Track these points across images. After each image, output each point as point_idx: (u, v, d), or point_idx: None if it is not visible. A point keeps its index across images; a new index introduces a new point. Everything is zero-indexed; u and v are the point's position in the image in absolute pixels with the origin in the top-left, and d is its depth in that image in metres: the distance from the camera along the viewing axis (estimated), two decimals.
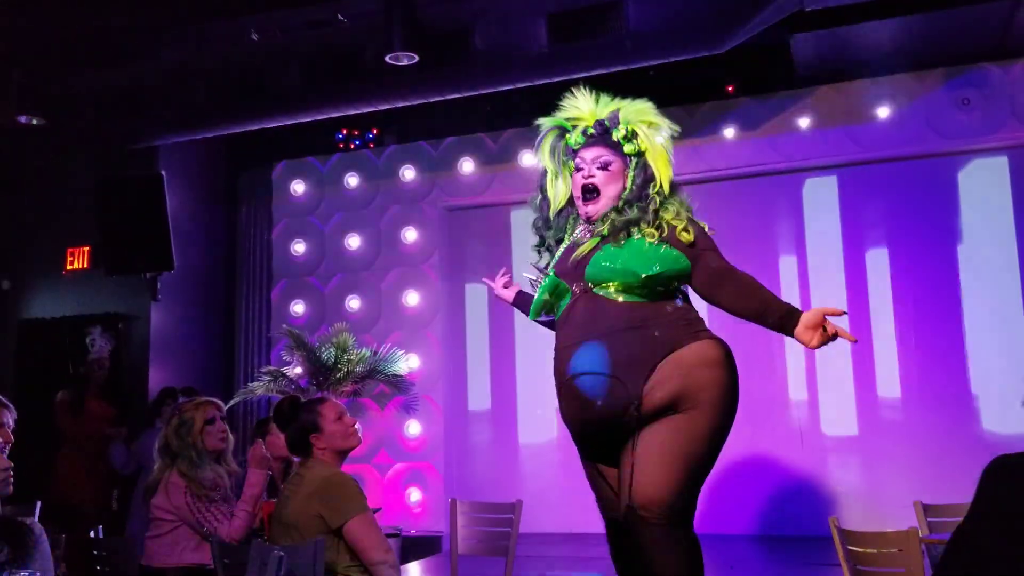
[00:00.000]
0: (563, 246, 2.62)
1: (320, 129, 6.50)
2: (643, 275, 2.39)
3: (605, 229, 2.50)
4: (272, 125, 5.96)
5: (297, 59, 5.44)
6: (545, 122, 2.66)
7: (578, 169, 2.56)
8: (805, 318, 2.34)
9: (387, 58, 4.90)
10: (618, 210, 2.51)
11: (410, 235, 6.61)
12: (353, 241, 6.74)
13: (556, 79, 4.92)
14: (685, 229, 2.45)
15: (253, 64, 5.48)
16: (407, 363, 6.20)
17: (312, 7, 5.07)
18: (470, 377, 6.66)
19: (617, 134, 2.55)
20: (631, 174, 2.53)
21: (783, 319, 2.35)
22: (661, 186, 2.51)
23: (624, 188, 2.53)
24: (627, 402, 2.34)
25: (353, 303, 6.66)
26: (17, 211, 6.69)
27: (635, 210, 2.48)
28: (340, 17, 4.96)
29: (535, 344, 6.30)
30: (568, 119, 2.63)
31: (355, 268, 6.75)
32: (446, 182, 6.63)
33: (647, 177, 2.52)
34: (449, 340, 6.60)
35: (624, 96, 2.61)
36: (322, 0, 5.06)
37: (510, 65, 5.12)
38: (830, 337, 2.33)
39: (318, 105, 5.68)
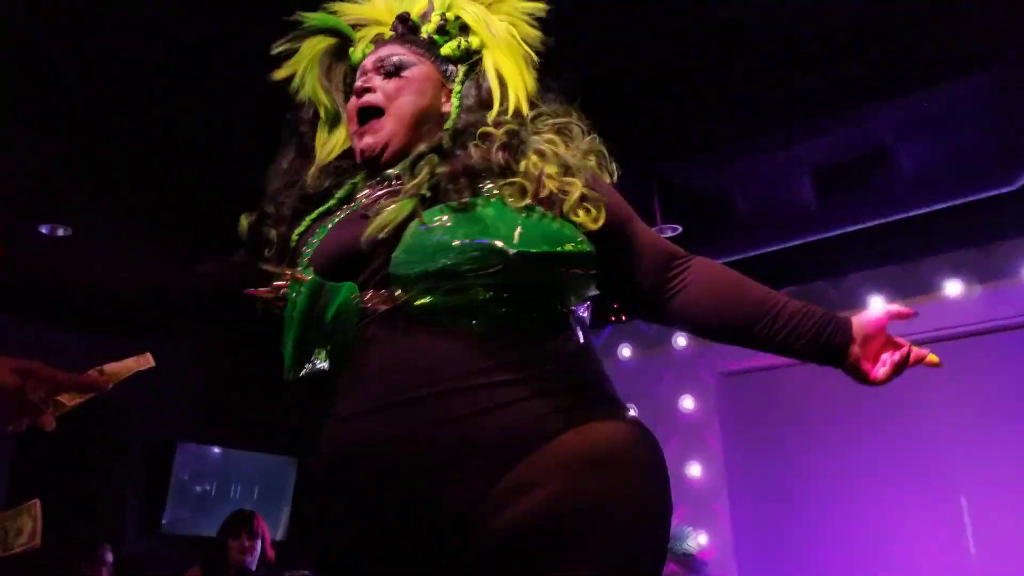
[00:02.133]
0: (322, 226, 1.44)
1: (592, 303, 6.60)
2: (511, 251, 1.24)
3: (423, 185, 1.35)
4: None
5: None
6: (311, 19, 1.59)
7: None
8: (861, 326, 1.48)
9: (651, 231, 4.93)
10: (436, 151, 1.40)
11: (687, 403, 6.45)
12: (631, 412, 6.66)
13: (827, 234, 4.74)
14: (581, 194, 1.36)
15: None
16: (697, 541, 5.92)
17: None
18: (765, 555, 6.22)
19: (428, 28, 1.54)
20: (456, 88, 1.50)
21: (821, 336, 1.48)
22: (518, 108, 1.46)
23: (438, 112, 1.49)
24: (451, 518, 1.20)
25: None
26: None
27: (471, 151, 1.38)
28: None
29: (836, 513, 5.82)
30: (356, 22, 1.62)
31: None
32: (720, 346, 6.41)
33: (482, 94, 1.49)
34: (740, 514, 6.24)
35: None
36: None
37: (777, 225, 4.99)
38: (903, 363, 1.50)
39: None
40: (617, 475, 1.25)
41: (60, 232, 5.14)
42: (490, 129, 1.40)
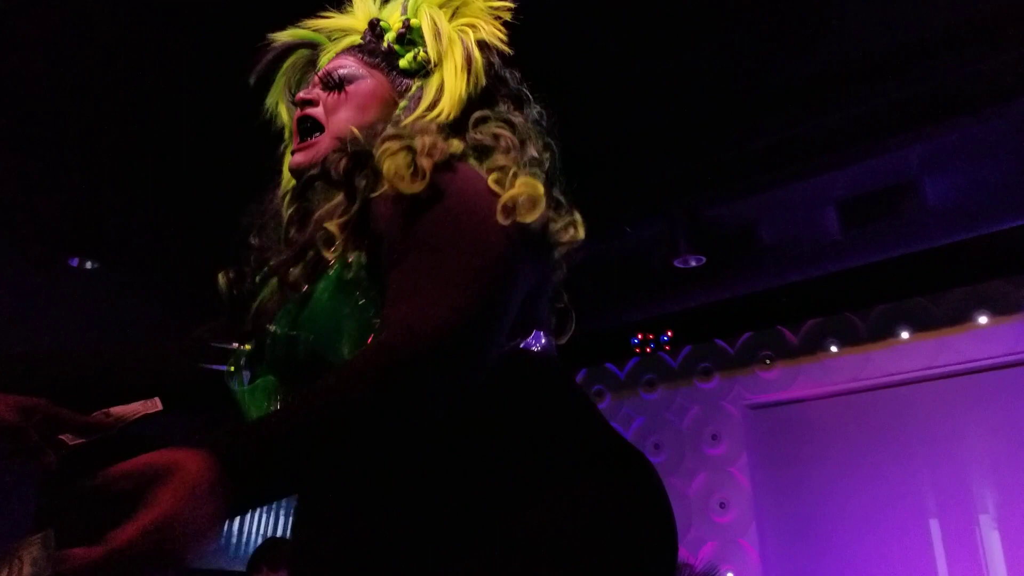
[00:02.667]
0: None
1: (616, 336, 6.60)
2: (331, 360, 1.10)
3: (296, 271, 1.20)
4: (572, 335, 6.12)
5: (585, 269, 5.63)
6: (280, 37, 1.45)
7: None
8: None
9: (675, 262, 4.94)
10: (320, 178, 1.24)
11: (713, 437, 6.40)
12: (656, 445, 6.63)
13: (852, 265, 4.73)
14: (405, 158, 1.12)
15: None
16: None
17: (598, 223, 5.27)
18: None
19: (390, 36, 1.35)
20: (401, 104, 1.30)
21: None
22: (440, 113, 1.25)
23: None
24: None
25: None
26: None
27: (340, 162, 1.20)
28: (627, 229, 5.11)
29: (866, 549, 5.74)
30: (333, 33, 1.44)
31: (660, 474, 6.58)
32: (746, 378, 6.42)
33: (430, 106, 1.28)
34: (768, 550, 6.17)
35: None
36: (608, 215, 5.26)
37: (801, 257, 4.98)
38: None
39: (613, 313, 5.79)
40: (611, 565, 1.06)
41: (89, 265, 5.19)
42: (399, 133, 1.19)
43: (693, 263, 4.93)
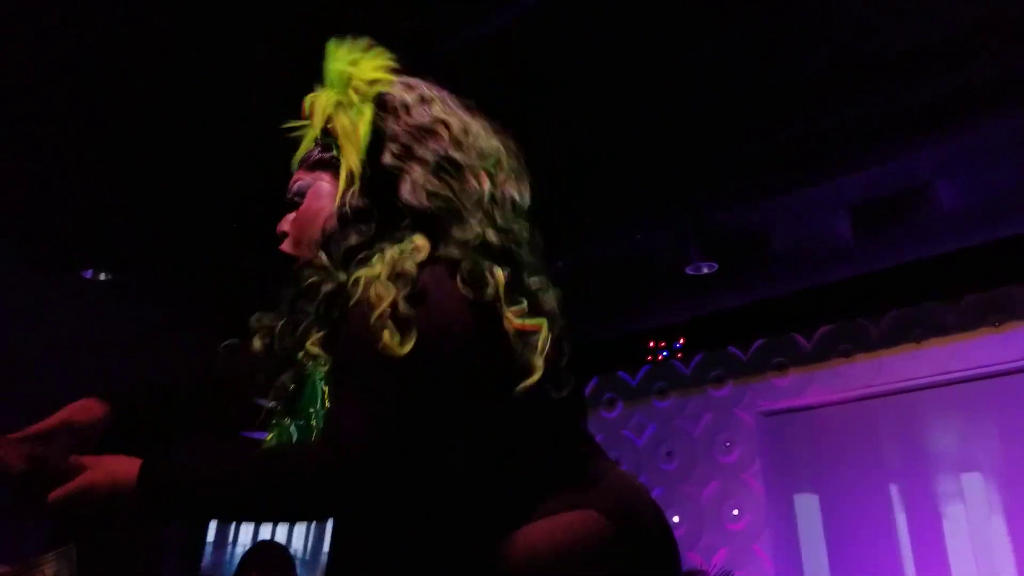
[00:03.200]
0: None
1: (628, 343, 6.59)
2: None
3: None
4: (583, 343, 6.12)
5: (596, 276, 5.62)
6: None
7: None
8: None
9: (687, 269, 4.93)
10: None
11: (727, 444, 6.38)
12: (668, 453, 6.60)
13: (865, 271, 4.71)
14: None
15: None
16: None
17: (609, 229, 5.26)
18: None
19: (315, 129, 1.42)
20: (340, 189, 1.36)
21: None
22: (345, 210, 1.32)
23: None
24: None
25: (674, 518, 6.43)
26: None
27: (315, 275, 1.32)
28: (636, 236, 5.10)
29: (879, 555, 5.71)
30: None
31: (673, 482, 6.57)
32: (759, 385, 6.39)
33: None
34: (782, 556, 6.13)
35: None
36: (618, 221, 5.25)
37: (814, 262, 4.96)
38: None
39: (624, 321, 5.78)
40: None
41: (102, 277, 5.21)
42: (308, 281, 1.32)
43: (705, 270, 4.92)
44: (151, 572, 5.75)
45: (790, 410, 6.37)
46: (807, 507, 6.16)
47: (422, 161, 1.30)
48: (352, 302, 1.21)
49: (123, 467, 1.18)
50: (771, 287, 5.26)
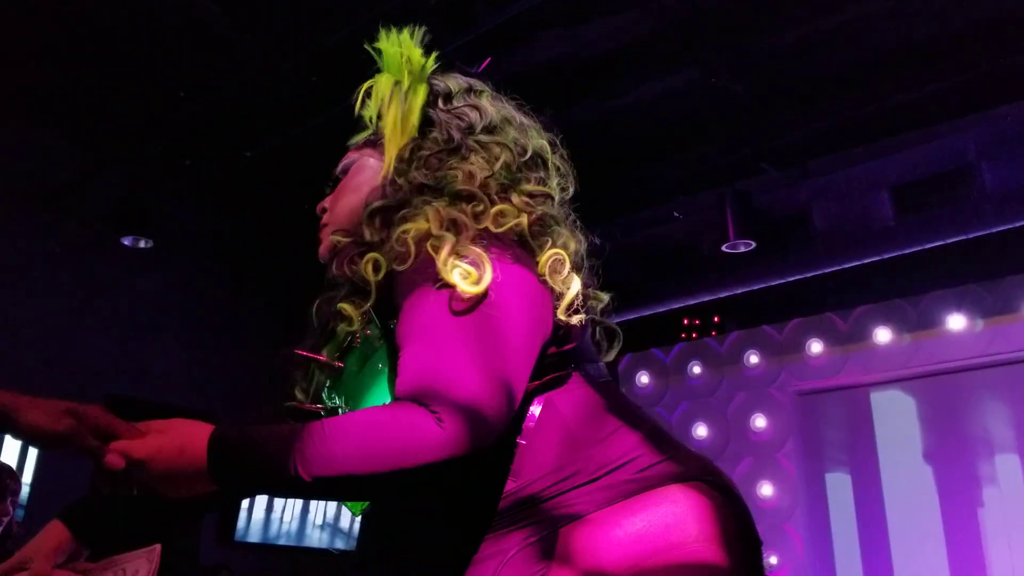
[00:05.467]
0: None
1: (662, 320, 6.57)
2: None
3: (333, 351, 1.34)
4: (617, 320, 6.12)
5: (636, 255, 5.61)
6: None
7: None
8: None
9: (724, 247, 4.91)
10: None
11: (759, 422, 6.36)
12: (701, 431, 6.60)
13: (906, 251, 4.66)
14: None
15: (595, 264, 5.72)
16: (768, 562, 5.82)
17: (648, 209, 5.24)
18: None
19: (369, 111, 1.42)
20: (386, 164, 1.36)
21: None
22: (392, 182, 1.31)
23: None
24: None
25: None
26: None
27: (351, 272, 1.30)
28: (675, 214, 5.08)
29: (912, 537, 5.69)
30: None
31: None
32: (794, 365, 6.36)
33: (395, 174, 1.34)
34: (812, 536, 6.13)
35: None
36: (658, 200, 5.23)
37: (854, 242, 4.91)
38: None
39: (660, 298, 5.77)
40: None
41: (142, 244, 5.28)
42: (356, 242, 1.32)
43: (742, 248, 4.89)
44: (193, 539, 5.87)
45: (825, 390, 6.34)
46: (839, 487, 6.14)
47: (468, 147, 1.33)
48: (409, 260, 1.19)
49: (194, 430, 1.09)
50: (809, 266, 5.21)
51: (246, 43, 3.75)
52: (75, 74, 3.98)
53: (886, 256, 4.91)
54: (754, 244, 4.85)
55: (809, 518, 6.16)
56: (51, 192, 5.10)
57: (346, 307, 1.27)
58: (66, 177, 4.94)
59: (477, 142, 1.32)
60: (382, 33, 1.39)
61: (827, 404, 6.37)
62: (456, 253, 1.15)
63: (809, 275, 5.30)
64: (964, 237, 4.61)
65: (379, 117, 1.40)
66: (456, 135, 1.33)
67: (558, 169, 1.39)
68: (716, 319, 6.98)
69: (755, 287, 5.49)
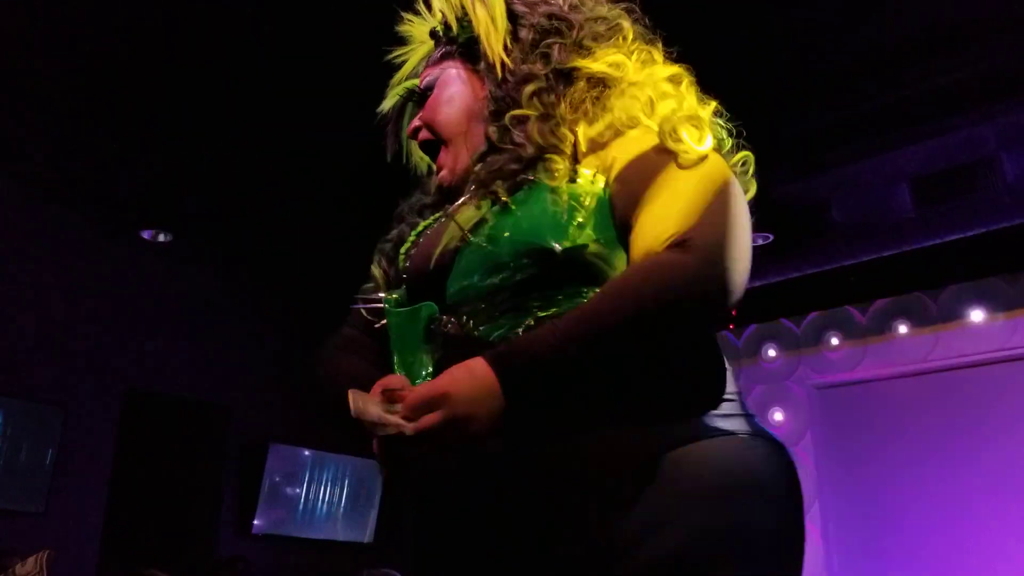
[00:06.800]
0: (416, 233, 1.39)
1: None
2: (556, 246, 1.14)
3: (474, 201, 1.27)
4: None
5: None
6: (387, 105, 1.53)
7: None
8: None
9: None
10: (484, 156, 1.31)
11: (777, 416, 6.34)
12: (752, 420, 6.57)
13: (926, 243, 4.63)
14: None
15: None
16: None
17: None
18: (858, 573, 6.07)
19: (455, 26, 1.41)
20: (493, 76, 1.35)
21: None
22: (555, 69, 1.30)
23: (480, 104, 1.36)
24: (576, 565, 1.11)
25: None
26: None
27: (513, 139, 1.27)
28: None
29: (931, 531, 5.66)
30: (416, 67, 1.51)
31: None
32: (812, 358, 6.34)
33: (495, 64, 1.34)
34: (830, 530, 6.11)
35: None
36: None
37: (873, 234, 4.88)
38: None
39: None
40: (748, 507, 1.11)
41: (161, 238, 5.31)
42: (520, 112, 1.29)
43: (760, 240, 4.86)
44: (211, 530, 5.89)
45: (843, 384, 6.31)
46: (857, 482, 6.12)
47: (558, 44, 1.33)
48: (616, 113, 1.24)
49: (472, 363, 1.08)
50: (827, 259, 5.19)
51: (268, 34, 3.75)
52: (99, 66, 4.00)
53: (905, 249, 4.88)
54: (772, 237, 4.82)
55: (827, 513, 6.13)
56: (72, 183, 5.13)
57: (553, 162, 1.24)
58: (88, 169, 4.97)
59: (565, 23, 1.34)
60: None
61: (846, 398, 6.34)
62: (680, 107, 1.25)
63: (827, 268, 5.28)
64: (984, 229, 4.58)
65: (447, 28, 1.42)
66: (544, 22, 1.35)
67: (643, 37, 1.40)
68: (733, 312, 6.93)
69: (773, 280, 5.47)
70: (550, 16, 1.35)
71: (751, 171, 1.33)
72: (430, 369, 1.22)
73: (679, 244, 1.09)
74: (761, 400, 6.43)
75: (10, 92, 4.23)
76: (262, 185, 5.03)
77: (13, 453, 4.98)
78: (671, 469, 1.10)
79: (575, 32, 1.34)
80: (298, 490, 6.37)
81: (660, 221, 1.13)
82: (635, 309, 1.07)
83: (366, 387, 1.14)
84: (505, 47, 1.34)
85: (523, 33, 1.35)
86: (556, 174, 1.20)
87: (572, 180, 1.20)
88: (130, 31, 3.74)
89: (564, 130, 1.26)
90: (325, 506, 6.50)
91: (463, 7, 1.39)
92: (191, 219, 5.27)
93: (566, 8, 1.37)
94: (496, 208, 1.21)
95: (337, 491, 6.55)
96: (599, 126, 1.25)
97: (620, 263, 1.17)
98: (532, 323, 1.14)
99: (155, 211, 5.14)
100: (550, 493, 1.12)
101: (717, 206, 1.14)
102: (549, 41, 1.33)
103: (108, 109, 4.34)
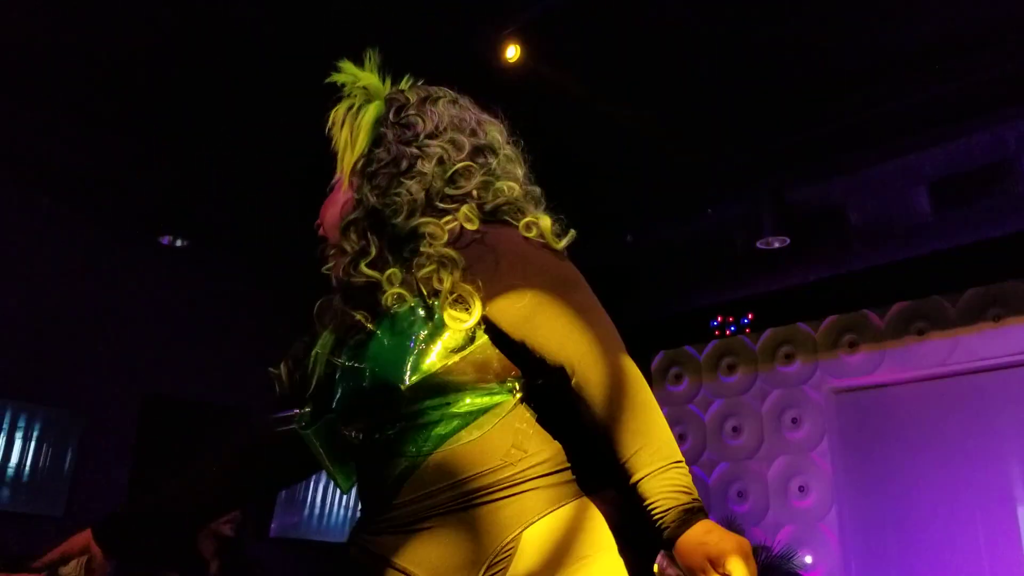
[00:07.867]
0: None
1: (695, 317, 6.54)
2: (399, 385, 1.27)
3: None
4: (651, 318, 6.10)
5: (669, 252, 5.58)
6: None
7: None
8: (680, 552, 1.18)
9: (758, 243, 4.87)
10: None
11: (794, 420, 6.31)
12: (734, 429, 6.56)
13: (944, 247, 4.60)
14: (450, 289, 1.31)
15: (627, 262, 5.70)
16: (803, 561, 5.78)
17: (681, 202, 5.21)
18: None
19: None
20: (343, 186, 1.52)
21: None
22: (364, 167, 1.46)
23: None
24: None
25: (737, 494, 6.40)
26: None
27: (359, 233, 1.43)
28: (708, 210, 5.05)
29: (949, 537, 5.62)
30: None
31: (738, 457, 6.53)
32: (829, 363, 6.30)
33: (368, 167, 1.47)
34: (848, 535, 6.07)
35: None
36: (691, 194, 5.20)
37: (891, 238, 4.86)
38: None
39: (693, 295, 5.74)
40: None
41: (179, 244, 5.34)
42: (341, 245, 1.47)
43: (777, 244, 4.85)
44: None
45: (860, 388, 6.27)
46: (875, 487, 6.07)
47: (411, 155, 1.43)
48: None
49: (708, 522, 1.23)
50: (844, 263, 5.17)
51: (285, 42, 3.77)
52: (116, 73, 4.03)
53: (923, 252, 4.85)
54: (789, 240, 4.81)
55: (845, 517, 6.09)
56: (90, 190, 5.16)
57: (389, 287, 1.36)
58: (105, 176, 5.00)
59: (420, 148, 1.42)
60: (342, 64, 1.53)
61: (863, 402, 6.30)
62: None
63: (845, 271, 5.25)
64: (1003, 232, 4.55)
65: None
66: (397, 148, 1.43)
67: (508, 157, 1.47)
68: (750, 316, 6.92)
69: (790, 284, 5.45)
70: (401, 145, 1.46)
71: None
72: (354, 478, 1.43)
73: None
74: (778, 405, 6.40)
75: (28, 99, 4.26)
76: (279, 191, 5.05)
77: (33, 457, 5.02)
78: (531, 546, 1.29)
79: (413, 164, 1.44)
80: (314, 493, 6.39)
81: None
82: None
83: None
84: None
85: (372, 163, 1.47)
86: (393, 294, 1.34)
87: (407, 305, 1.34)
88: (148, 38, 3.77)
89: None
90: (341, 510, 6.51)
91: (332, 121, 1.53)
92: (208, 225, 5.30)
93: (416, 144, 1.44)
94: (361, 335, 1.37)
95: (352, 495, 6.56)
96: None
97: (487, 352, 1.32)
98: (430, 421, 1.29)
99: (172, 217, 5.17)
100: None
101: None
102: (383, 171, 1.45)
103: (126, 116, 4.36)
